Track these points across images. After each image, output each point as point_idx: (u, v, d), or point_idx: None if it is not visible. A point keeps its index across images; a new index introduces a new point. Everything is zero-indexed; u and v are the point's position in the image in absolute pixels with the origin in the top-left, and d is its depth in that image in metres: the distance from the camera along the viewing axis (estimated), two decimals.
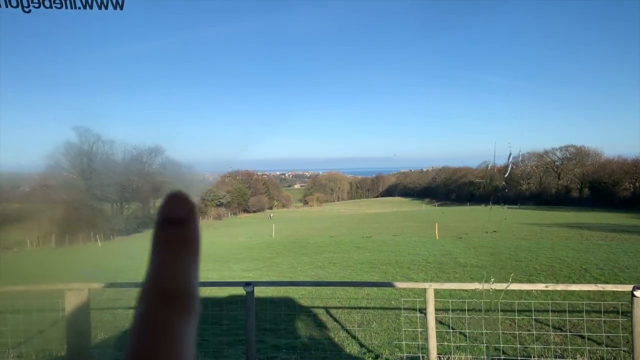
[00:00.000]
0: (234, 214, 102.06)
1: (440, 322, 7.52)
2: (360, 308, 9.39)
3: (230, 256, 21.40)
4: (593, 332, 6.91)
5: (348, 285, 11.71)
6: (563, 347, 6.46)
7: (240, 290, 5.45)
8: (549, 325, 7.28)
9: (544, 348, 6.45)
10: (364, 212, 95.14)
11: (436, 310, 5.77)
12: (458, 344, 6.51)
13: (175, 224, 0.43)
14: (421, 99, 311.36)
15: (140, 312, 0.39)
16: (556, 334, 7.09)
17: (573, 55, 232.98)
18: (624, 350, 6.08)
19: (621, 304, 5.96)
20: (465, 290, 9.40)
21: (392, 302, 9.83)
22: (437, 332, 5.65)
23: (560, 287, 6.69)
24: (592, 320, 7.34)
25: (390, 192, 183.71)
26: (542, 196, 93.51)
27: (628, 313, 4.97)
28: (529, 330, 7.11)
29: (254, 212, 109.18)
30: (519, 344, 6.65)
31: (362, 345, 6.95)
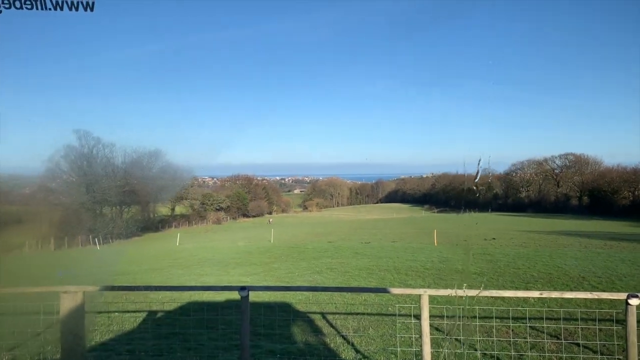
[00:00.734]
0: (233, 218, 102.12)
1: (437, 329, 7.52)
2: (357, 314, 9.39)
3: (228, 260, 21.41)
4: (589, 340, 6.91)
5: (343, 291, 11.71)
6: (559, 355, 6.46)
7: (236, 295, 5.46)
8: (544, 333, 7.28)
9: (540, 356, 6.46)
10: (363, 217, 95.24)
11: (433, 316, 5.78)
12: (453, 351, 6.51)
13: None
14: (421, 105, 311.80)
15: None
16: (552, 342, 7.09)
17: (573, 63, 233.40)
18: (618, 359, 6.09)
19: (616, 312, 5.97)
20: (460, 296, 9.41)
21: (389, 308, 9.83)
22: (432, 338, 5.65)
23: (554, 294, 6.69)
24: (588, 328, 7.35)
25: (390, 198, 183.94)
26: (541, 204, 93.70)
27: (623, 321, 4.98)
28: (524, 338, 7.10)
29: (253, 216, 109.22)
30: (514, 351, 6.66)
31: (357, 351, 6.95)
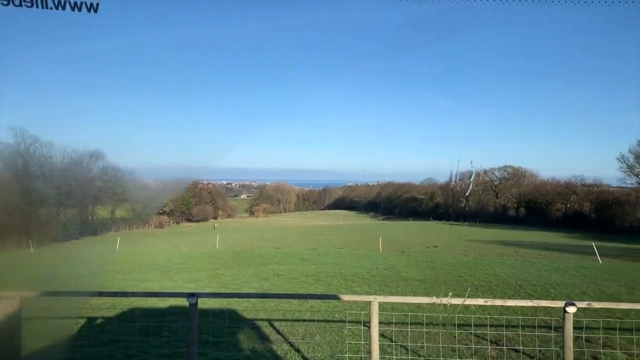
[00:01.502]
0: (176, 222, 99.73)
1: (383, 335, 7.61)
2: (304, 321, 9.35)
3: (171, 266, 20.82)
4: (527, 346, 7.20)
5: (293, 298, 11.65)
6: None
7: (181, 302, 5.31)
8: (486, 340, 7.53)
9: None
10: (310, 224, 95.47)
11: (380, 323, 5.85)
12: (400, 357, 6.61)
13: None
14: (369, 114, 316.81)
15: None
16: (493, 348, 7.34)
17: (511, 80, 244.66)
18: None
19: (553, 319, 6.25)
20: (408, 303, 9.59)
21: (337, 314, 9.87)
22: (379, 345, 5.72)
23: (498, 302, 6.97)
24: (526, 335, 7.66)
25: (337, 205, 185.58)
26: (480, 214, 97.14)
27: (559, 328, 5.22)
28: (467, 344, 7.32)
29: (198, 221, 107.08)
30: (458, 358, 6.84)
31: (304, 358, 6.92)
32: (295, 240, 41.09)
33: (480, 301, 6.98)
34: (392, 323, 7.44)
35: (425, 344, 6.99)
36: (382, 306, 8.11)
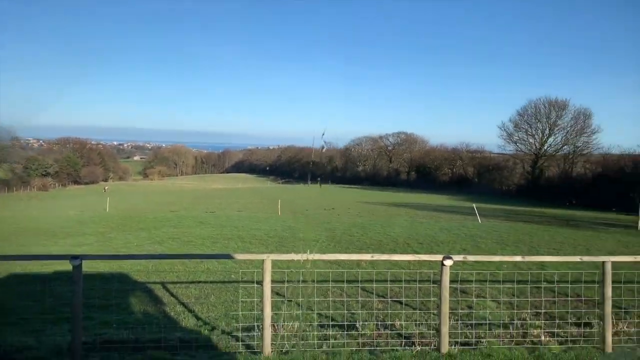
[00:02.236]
0: (62, 185, 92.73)
1: (278, 293, 7.79)
2: (198, 282, 9.30)
3: (56, 230, 19.49)
4: (410, 299, 7.77)
5: (185, 258, 11.50)
6: (385, 312, 7.17)
7: (67, 266, 5.03)
8: (373, 294, 8.00)
9: (368, 313, 7.10)
10: (209, 187, 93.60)
11: (274, 281, 5.98)
12: (292, 312, 6.83)
13: None
14: (271, 76, 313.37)
15: None
16: (379, 301, 7.83)
17: (415, 50, 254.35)
18: (433, 313, 6.97)
19: (433, 272, 6.77)
20: (299, 260, 9.88)
21: (232, 275, 9.92)
22: (273, 301, 5.86)
23: (384, 257, 7.46)
24: (410, 288, 8.25)
25: (236, 168, 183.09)
26: (375, 178, 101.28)
27: (439, 281, 5.68)
28: (355, 298, 7.73)
29: (86, 184, 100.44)
30: (346, 311, 7.23)
31: (198, 318, 6.91)
32: (192, 204, 40.17)
33: (367, 256, 7.37)
34: (285, 281, 7.63)
35: (316, 299, 7.28)
36: (276, 264, 8.28)
